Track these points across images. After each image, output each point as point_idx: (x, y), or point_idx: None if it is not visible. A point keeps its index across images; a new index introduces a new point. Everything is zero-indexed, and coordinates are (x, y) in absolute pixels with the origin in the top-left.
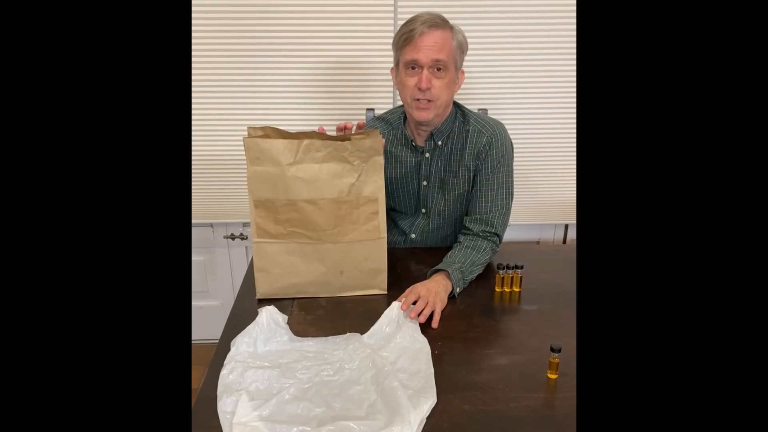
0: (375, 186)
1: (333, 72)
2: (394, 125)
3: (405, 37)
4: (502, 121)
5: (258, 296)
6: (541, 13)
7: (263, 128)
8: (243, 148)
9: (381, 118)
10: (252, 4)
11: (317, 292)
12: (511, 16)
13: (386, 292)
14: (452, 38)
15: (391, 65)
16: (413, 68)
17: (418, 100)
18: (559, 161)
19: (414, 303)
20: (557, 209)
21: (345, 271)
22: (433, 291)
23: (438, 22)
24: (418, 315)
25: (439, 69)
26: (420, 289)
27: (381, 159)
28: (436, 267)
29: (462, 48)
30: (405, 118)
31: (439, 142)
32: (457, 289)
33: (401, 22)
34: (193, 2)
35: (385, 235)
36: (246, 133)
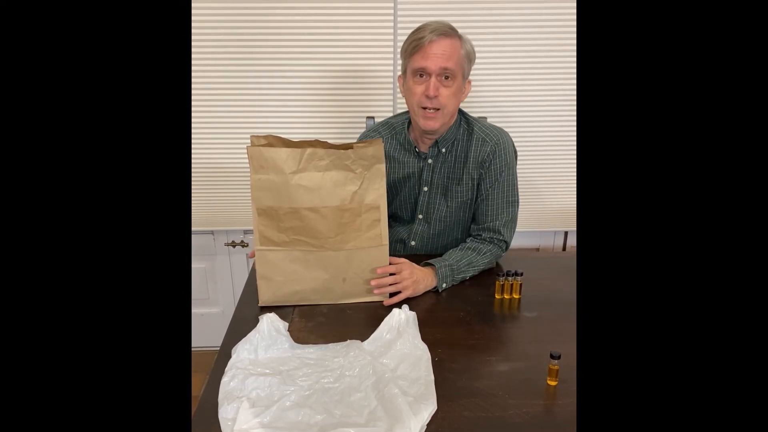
0: (377, 194)
1: (333, 81)
2: (398, 130)
3: (414, 45)
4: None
5: (260, 304)
6: (543, 21)
7: (266, 137)
8: (244, 156)
9: (385, 123)
10: (253, 14)
11: (320, 299)
12: (512, 24)
13: (388, 299)
14: (461, 47)
15: (391, 74)
16: (421, 76)
17: (425, 108)
18: (559, 168)
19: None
20: (557, 216)
21: (347, 278)
22: (415, 278)
23: (447, 31)
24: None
25: (446, 77)
26: (405, 268)
27: (383, 167)
28: (429, 261)
29: (469, 57)
30: (410, 123)
31: (443, 150)
32: (444, 285)
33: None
34: (194, 12)
35: (387, 242)
36: (248, 141)
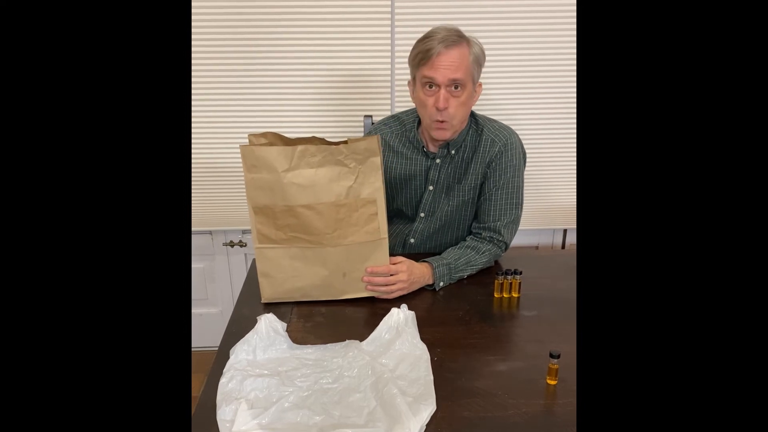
0: (373, 187)
1: (331, 80)
2: (407, 126)
3: (421, 57)
4: None
5: (263, 300)
6: (541, 19)
7: (264, 134)
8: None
9: (396, 117)
10: (252, 14)
11: (321, 295)
12: (511, 23)
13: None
14: (469, 54)
15: (388, 73)
16: (430, 87)
17: (436, 120)
18: (558, 166)
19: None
20: (556, 214)
21: (347, 273)
22: (412, 279)
23: (455, 39)
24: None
25: (456, 87)
26: (404, 268)
27: (377, 160)
28: (427, 259)
29: (479, 61)
30: (419, 122)
31: (453, 151)
32: (441, 283)
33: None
34: (194, 13)
35: (386, 235)
36: (245, 140)
